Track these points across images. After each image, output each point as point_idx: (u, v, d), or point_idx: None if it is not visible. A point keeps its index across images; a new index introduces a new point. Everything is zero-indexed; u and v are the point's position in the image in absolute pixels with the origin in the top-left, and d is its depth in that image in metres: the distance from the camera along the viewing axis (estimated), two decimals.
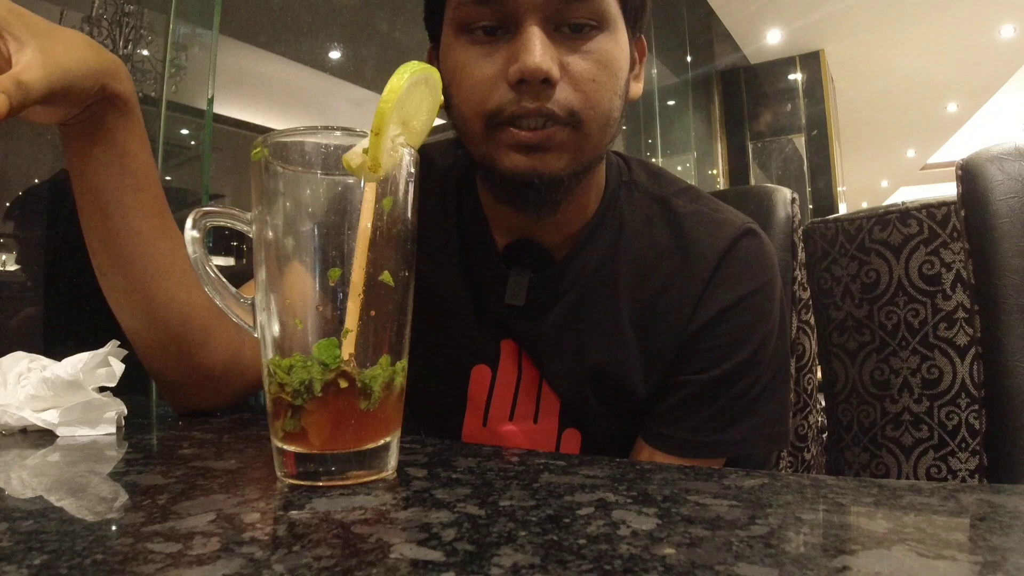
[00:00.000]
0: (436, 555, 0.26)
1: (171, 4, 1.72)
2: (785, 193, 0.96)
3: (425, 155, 0.64)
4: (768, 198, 0.95)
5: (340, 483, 0.37)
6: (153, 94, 1.71)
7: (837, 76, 6.19)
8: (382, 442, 0.39)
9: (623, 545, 0.27)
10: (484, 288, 0.67)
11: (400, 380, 0.41)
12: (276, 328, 0.39)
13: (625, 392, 0.63)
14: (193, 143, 1.88)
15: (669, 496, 0.35)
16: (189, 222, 0.41)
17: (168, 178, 1.83)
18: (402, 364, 0.41)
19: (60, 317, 1.39)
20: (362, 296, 0.38)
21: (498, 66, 0.56)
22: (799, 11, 5.14)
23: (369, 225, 0.38)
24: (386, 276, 0.39)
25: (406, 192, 0.40)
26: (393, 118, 0.39)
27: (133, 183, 0.57)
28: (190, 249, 0.41)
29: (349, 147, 0.38)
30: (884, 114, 7.56)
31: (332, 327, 0.38)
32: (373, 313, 0.38)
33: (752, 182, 5.68)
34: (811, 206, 5.77)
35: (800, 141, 5.92)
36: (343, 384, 0.37)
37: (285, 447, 0.38)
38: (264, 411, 0.41)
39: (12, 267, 1.43)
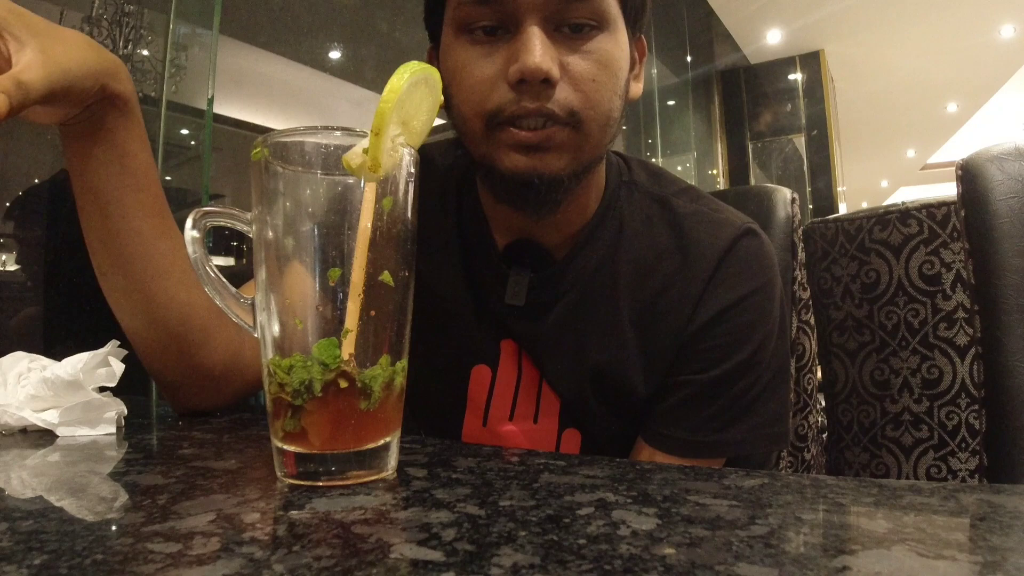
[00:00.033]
0: (436, 555, 0.26)
1: (171, 4, 1.72)
2: (785, 193, 0.96)
3: (425, 155, 0.64)
4: (768, 198, 0.95)
5: (340, 483, 0.37)
6: (153, 94, 1.71)
7: (837, 76, 6.19)
8: (382, 442, 0.39)
9: (623, 545, 0.27)
10: (484, 288, 0.67)
11: (400, 380, 0.41)
12: (276, 328, 0.39)
13: (625, 392, 0.63)
14: (193, 143, 1.89)
15: (669, 496, 0.35)
16: (189, 222, 0.41)
17: (168, 178, 1.83)
18: (402, 364, 0.41)
19: (60, 317, 1.39)
20: (362, 296, 0.38)
21: (498, 66, 0.56)
22: (799, 11, 5.14)
23: (369, 225, 0.38)
24: (386, 276, 0.39)
25: (406, 192, 0.40)
26: (393, 118, 0.39)
27: (133, 183, 0.57)
28: (190, 249, 0.41)
29: (349, 147, 0.38)
30: (884, 114, 7.56)
31: (332, 327, 0.38)
32: (373, 313, 0.38)
33: (752, 182, 5.68)
34: (811, 206, 5.77)
35: (800, 141, 5.92)
36: (343, 384, 0.37)
37: (285, 447, 0.38)
38: (264, 411, 0.41)
39: (12, 267, 1.43)
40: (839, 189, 5.98)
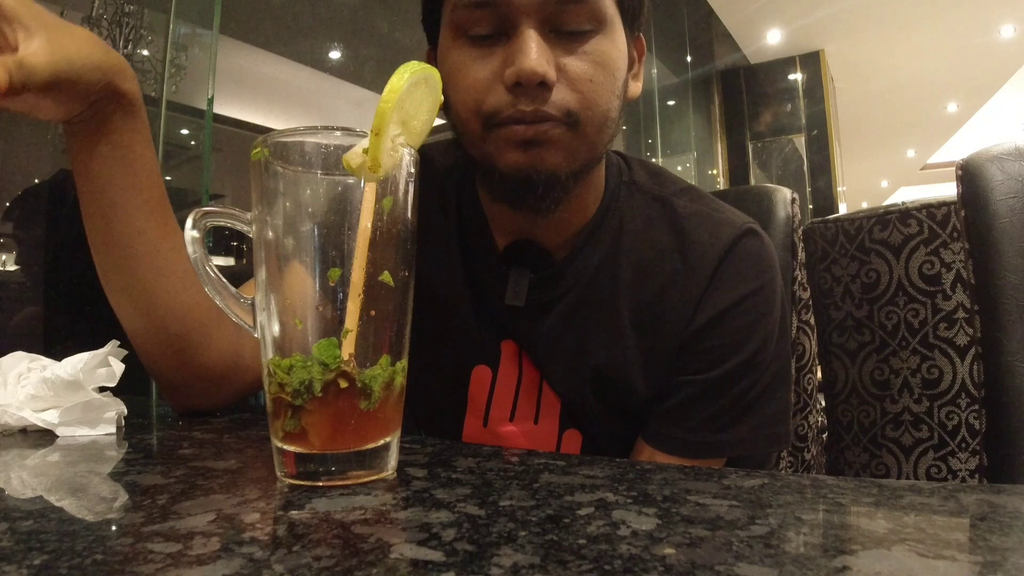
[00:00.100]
0: (436, 555, 0.26)
1: (171, 4, 1.72)
2: (785, 193, 0.96)
3: (425, 155, 0.64)
4: (768, 198, 0.95)
5: (340, 483, 0.37)
6: (153, 94, 1.71)
7: (837, 76, 6.19)
8: (382, 442, 0.39)
9: (623, 545, 0.27)
10: (484, 288, 0.67)
11: (400, 380, 0.41)
12: (276, 328, 0.39)
13: (625, 393, 0.63)
14: (193, 143, 1.89)
15: (669, 496, 0.35)
16: (189, 222, 0.41)
17: (168, 178, 1.83)
18: (402, 364, 0.41)
19: (60, 317, 1.39)
20: (362, 296, 0.38)
21: (495, 68, 0.56)
22: (799, 11, 5.14)
23: (369, 225, 0.38)
24: (386, 276, 0.39)
25: (406, 192, 0.40)
26: (393, 118, 0.39)
27: (137, 183, 0.57)
28: (190, 249, 0.41)
29: (349, 147, 0.38)
30: (884, 114, 7.56)
31: (332, 327, 0.38)
32: (373, 313, 0.38)
33: (752, 182, 5.68)
34: (811, 206, 5.77)
35: (800, 141, 5.92)
36: (343, 384, 0.37)
37: (285, 447, 0.38)
38: (264, 411, 0.41)
39: (12, 267, 1.43)
40: (839, 189, 5.98)
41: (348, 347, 0.38)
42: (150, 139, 0.59)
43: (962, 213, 0.76)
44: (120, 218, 0.57)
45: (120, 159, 0.56)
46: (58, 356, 0.58)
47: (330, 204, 0.39)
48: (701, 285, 0.62)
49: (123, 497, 0.36)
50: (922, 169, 10.48)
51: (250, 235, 0.41)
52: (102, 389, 0.57)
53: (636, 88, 0.66)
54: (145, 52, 1.67)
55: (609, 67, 0.58)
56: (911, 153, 9.81)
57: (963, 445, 1.08)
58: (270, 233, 0.39)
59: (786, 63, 5.92)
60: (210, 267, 0.41)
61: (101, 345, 0.59)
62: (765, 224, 0.90)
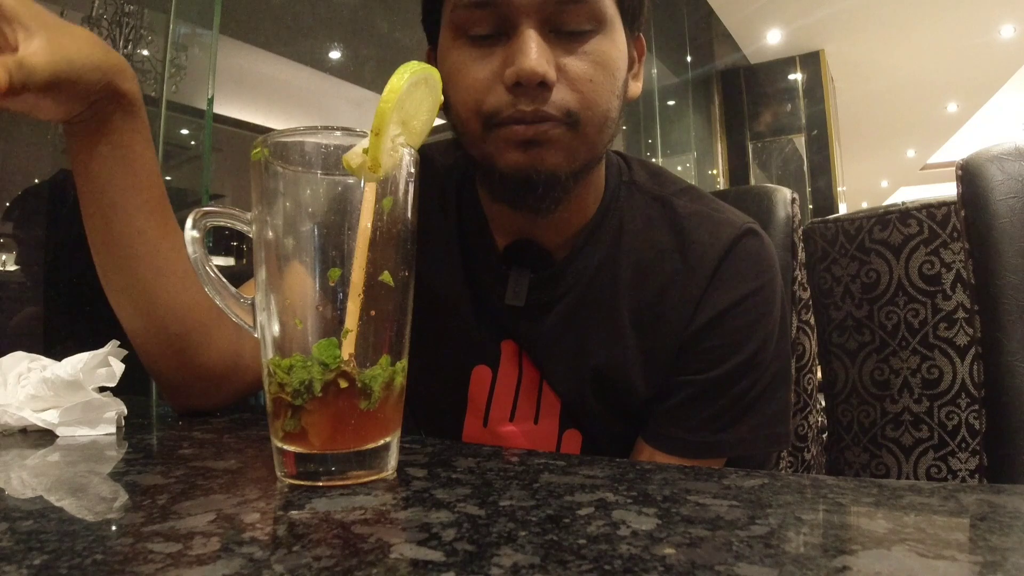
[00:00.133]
0: (436, 555, 0.26)
1: (171, 4, 1.72)
2: (785, 193, 0.96)
3: (425, 155, 0.64)
4: (768, 198, 0.95)
5: (340, 483, 0.37)
6: (153, 94, 1.71)
7: (837, 76, 6.19)
8: (382, 442, 0.39)
9: (623, 545, 0.27)
10: (484, 288, 0.67)
11: (400, 380, 0.41)
12: (276, 328, 0.39)
13: (625, 393, 0.63)
14: (193, 143, 1.89)
15: (669, 496, 0.35)
16: (189, 222, 0.41)
17: (168, 178, 1.83)
18: (402, 364, 0.41)
19: (60, 317, 1.39)
20: (362, 296, 0.38)
21: (495, 68, 0.56)
22: (799, 11, 5.14)
23: (369, 225, 0.38)
24: (386, 276, 0.39)
25: (406, 192, 0.40)
26: (393, 118, 0.39)
27: (137, 183, 0.57)
28: (190, 249, 0.41)
29: (349, 147, 0.38)
30: (884, 114, 7.56)
31: (332, 327, 0.38)
32: (373, 313, 0.38)
33: (752, 182, 5.68)
34: (811, 206, 5.77)
35: (800, 141, 5.92)
36: (343, 384, 0.37)
37: (285, 447, 0.38)
38: (264, 411, 0.41)
39: (12, 267, 1.43)
40: (839, 189, 5.98)
41: (348, 347, 0.38)
42: (150, 139, 0.59)
43: (962, 213, 0.76)
44: (120, 218, 0.57)
45: (120, 159, 0.56)
46: (58, 356, 0.58)
47: (330, 204, 0.39)
48: (701, 285, 0.62)
49: (123, 497, 0.36)
50: (922, 169, 10.48)
51: (250, 235, 0.41)
52: (102, 389, 0.58)
53: (636, 88, 0.66)
54: (145, 52, 1.67)
55: (609, 67, 0.58)
56: (911, 153, 9.81)
57: (963, 445, 1.08)
58: (270, 233, 0.39)
59: (786, 63, 5.92)
60: (210, 267, 0.41)
61: (101, 345, 0.59)
62: (765, 224, 0.90)
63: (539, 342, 0.65)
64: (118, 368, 0.59)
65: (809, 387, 0.98)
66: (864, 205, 7.26)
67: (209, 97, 1.80)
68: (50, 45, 0.48)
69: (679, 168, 5.20)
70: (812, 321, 0.99)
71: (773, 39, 5.64)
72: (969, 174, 0.76)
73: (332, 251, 0.38)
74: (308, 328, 0.38)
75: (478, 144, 0.59)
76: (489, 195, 0.64)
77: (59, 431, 0.54)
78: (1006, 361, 0.71)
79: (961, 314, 1.07)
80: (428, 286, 0.64)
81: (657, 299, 0.63)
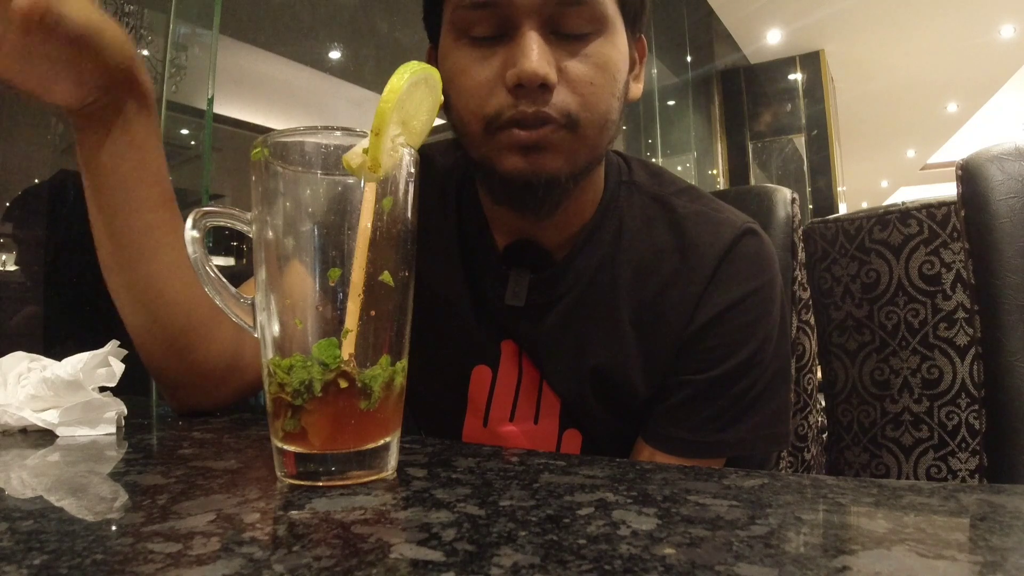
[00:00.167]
0: (436, 555, 0.26)
1: (171, 4, 1.72)
2: (785, 193, 0.96)
3: (425, 155, 0.64)
4: (768, 198, 0.95)
5: (340, 483, 0.37)
6: None
7: (837, 76, 6.19)
8: (382, 442, 0.39)
9: (623, 545, 0.27)
10: (484, 289, 0.67)
11: (400, 380, 0.41)
12: (276, 328, 0.39)
13: (625, 392, 0.63)
14: (193, 143, 1.89)
15: (669, 496, 0.35)
16: (189, 222, 0.41)
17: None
18: (402, 364, 0.41)
19: (60, 317, 1.39)
20: (362, 296, 0.38)
21: (496, 70, 0.56)
22: (799, 11, 5.14)
23: (369, 225, 0.38)
24: (386, 276, 0.39)
25: (406, 192, 0.40)
26: (393, 118, 0.39)
27: (147, 176, 0.58)
28: (190, 249, 0.41)
29: (349, 147, 0.38)
30: (884, 114, 7.56)
31: (332, 327, 0.38)
32: (373, 313, 0.38)
33: (752, 182, 5.68)
34: (811, 206, 5.77)
35: (800, 141, 5.92)
36: (343, 384, 0.37)
37: (285, 447, 0.38)
38: (264, 411, 0.41)
39: (12, 267, 1.43)
40: (839, 189, 5.98)
41: (348, 347, 0.38)
42: (160, 136, 0.60)
43: (962, 213, 0.76)
44: (129, 211, 0.57)
45: (132, 152, 0.57)
46: (58, 356, 0.58)
47: (330, 204, 0.39)
48: (701, 285, 0.62)
49: (123, 497, 0.36)
50: (922, 169, 10.48)
51: (250, 235, 0.41)
52: (102, 389, 0.57)
53: (637, 89, 0.66)
54: (145, 52, 1.67)
55: (610, 70, 0.58)
56: (911, 153, 9.81)
57: (963, 445, 1.08)
58: (270, 233, 0.39)
59: (786, 63, 5.92)
60: (210, 267, 0.41)
61: (101, 345, 0.59)
62: (765, 224, 0.90)
63: (539, 342, 0.65)
64: (118, 368, 0.59)
65: (809, 387, 0.98)
66: (864, 205, 7.26)
67: (209, 97, 1.80)
68: (90, 6, 0.49)
69: (679, 168, 5.20)
70: (812, 321, 0.99)
71: (773, 39, 5.64)
72: (969, 174, 0.76)
73: (332, 251, 0.38)
74: (308, 328, 0.38)
75: (479, 146, 0.59)
76: (489, 197, 0.64)
77: (59, 431, 0.54)
78: (1006, 361, 0.71)
79: (961, 314, 1.07)
80: (428, 286, 0.64)
81: (657, 299, 0.63)
